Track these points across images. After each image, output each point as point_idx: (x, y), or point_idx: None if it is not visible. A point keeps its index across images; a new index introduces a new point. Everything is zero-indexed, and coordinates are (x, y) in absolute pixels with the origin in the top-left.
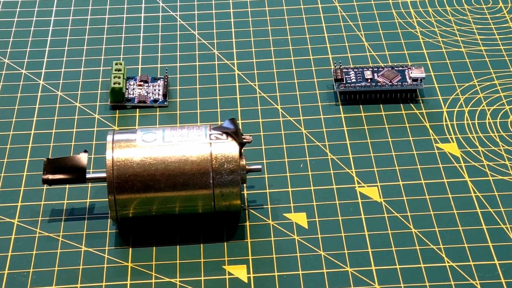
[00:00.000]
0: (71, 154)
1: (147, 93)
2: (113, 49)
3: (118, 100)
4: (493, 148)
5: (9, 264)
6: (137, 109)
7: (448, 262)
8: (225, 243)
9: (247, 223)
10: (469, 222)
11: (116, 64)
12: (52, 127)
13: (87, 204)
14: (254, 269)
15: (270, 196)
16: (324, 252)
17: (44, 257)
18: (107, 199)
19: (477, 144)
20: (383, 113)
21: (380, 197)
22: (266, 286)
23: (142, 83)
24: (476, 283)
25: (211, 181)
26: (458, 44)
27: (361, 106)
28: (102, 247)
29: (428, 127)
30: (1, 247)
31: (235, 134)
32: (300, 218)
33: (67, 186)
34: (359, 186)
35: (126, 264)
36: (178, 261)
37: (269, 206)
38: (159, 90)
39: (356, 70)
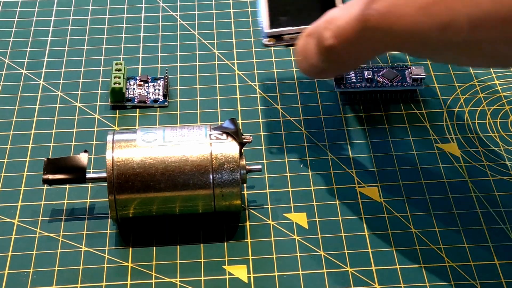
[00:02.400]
0: (71, 154)
1: (147, 93)
2: (113, 49)
3: (118, 100)
4: (493, 148)
5: (9, 264)
6: (137, 109)
7: (448, 262)
8: (225, 243)
9: (247, 223)
10: (469, 222)
11: (116, 64)
12: (52, 127)
13: (87, 204)
14: (254, 269)
15: (270, 196)
16: (324, 252)
17: (44, 257)
18: (107, 199)
19: (477, 144)
20: (383, 113)
21: (380, 197)
22: (266, 286)
23: (142, 83)
24: (476, 283)
25: (211, 181)
26: None
27: (361, 106)
28: (102, 247)
29: (428, 127)
30: (2, 247)
31: (235, 134)
32: (300, 218)
33: (67, 186)
34: (359, 186)
35: (126, 264)
36: (178, 261)
37: (269, 206)
38: (159, 90)
39: (356, 70)
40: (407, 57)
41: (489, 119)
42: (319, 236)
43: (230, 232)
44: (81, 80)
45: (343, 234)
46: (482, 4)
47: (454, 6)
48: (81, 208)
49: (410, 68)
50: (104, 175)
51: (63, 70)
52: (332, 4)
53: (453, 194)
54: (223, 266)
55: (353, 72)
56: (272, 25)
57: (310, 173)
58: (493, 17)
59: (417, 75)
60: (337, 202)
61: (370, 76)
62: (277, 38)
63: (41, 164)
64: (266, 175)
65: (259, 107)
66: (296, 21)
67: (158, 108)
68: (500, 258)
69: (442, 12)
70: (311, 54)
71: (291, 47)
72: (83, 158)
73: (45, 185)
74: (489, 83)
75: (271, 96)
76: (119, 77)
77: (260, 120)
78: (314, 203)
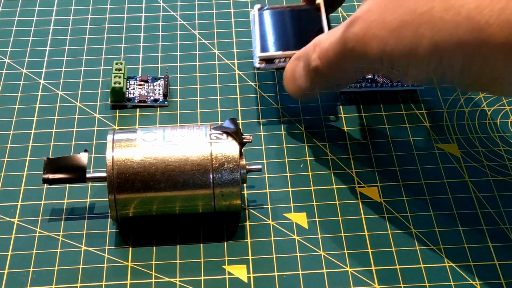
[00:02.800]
0: (72, 154)
1: (148, 92)
2: (114, 48)
3: (119, 100)
4: (493, 148)
5: (9, 263)
6: (138, 109)
7: (448, 263)
8: (225, 243)
9: (247, 223)
10: (469, 222)
11: (116, 63)
12: (53, 127)
13: (87, 203)
14: (254, 269)
15: (270, 196)
16: (324, 252)
17: (44, 257)
18: (107, 199)
19: (477, 144)
20: (383, 113)
21: (380, 197)
22: (266, 286)
23: (142, 82)
24: (476, 284)
25: (211, 180)
26: None
27: (361, 106)
28: (102, 246)
29: (428, 127)
30: (1, 246)
31: (235, 133)
32: (300, 218)
33: (67, 185)
34: (359, 186)
35: (126, 263)
36: (178, 261)
37: (269, 206)
38: (159, 89)
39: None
40: None
41: (489, 119)
42: (319, 236)
43: (230, 232)
44: (81, 80)
45: (343, 234)
46: (443, 29)
47: (419, 30)
48: (81, 208)
49: None
50: (104, 174)
51: (63, 69)
52: (320, 31)
53: (453, 194)
54: (223, 266)
55: None
56: (264, 49)
57: (310, 173)
58: (451, 40)
59: None
60: (337, 202)
61: (370, 76)
62: (268, 61)
63: (41, 163)
64: (266, 175)
65: (259, 107)
66: (286, 46)
67: (158, 108)
68: (500, 258)
69: (409, 35)
70: (299, 75)
71: (278, 71)
72: (83, 157)
73: (45, 184)
74: None
75: (271, 96)
76: (119, 77)
77: (260, 120)
78: (314, 203)
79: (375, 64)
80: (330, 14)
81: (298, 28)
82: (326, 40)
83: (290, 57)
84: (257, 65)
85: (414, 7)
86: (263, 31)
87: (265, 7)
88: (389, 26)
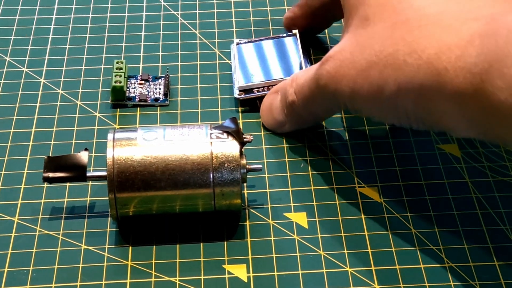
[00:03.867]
0: (72, 152)
1: (148, 92)
2: (114, 47)
3: (119, 99)
4: (494, 149)
5: (9, 262)
6: (138, 108)
7: (448, 263)
8: (225, 242)
9: (247, 223)
10: (469, 222)
11: (117, 62)
12: (53, 125)
13: (88, 202)
14: (254, 269)
15: (270, 195)
16: (324, 252)
17: (44, 255)
18: (108, 198)
19: (478, 145)
20: None
21: (380, 197)
22: (266, 285)
23: (143, 81)
24: (476, 284)
25: (211, 180)
26: None
27: None
28: (102, 245)
29: None
30: (1, 245)
31: (235, 133)
32: (300, 218)
33: (68, 184)
34: (359, 186)
35: (126, 262)
36: (178, 260)
37: (269, 206)
38: (160, 89)
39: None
40: None
41: None
42: (319, 236)
43: (230, 231)
44: (82, 79)
45: (343, 234)
46: (405, 71)
47: (384, 71)
48: (81, 206)
49: None
50: (104, 173)
51: (64, 68)
52: (296, 63)
53: (453, 194)
54: (223, 265)
55: None
56: (243, 80)
57: (310, 173)
58: (413, 83)
59: None
60: (337, 202)
61: None
62: (247, 91)
63: (42, 162)
64: (266, 175)
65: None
66: (264, 77)
67: (158, 107)
68: (499, 259)
69: (376, 75)
70: (276, 108)
71: (258, 101)
72: (83, 156)
73: (46, 183)
74: None
75: None
76: (120, 76)
77: (261, 119)
78: (314, 203)
79: (346, 102)
80: (317, 35)
81: (276, 57)
82: (302, 76)
83: (268, 86)
84: (236, 95)
85: (380, 49)
86: (242, 64)
87: (244, 41)
88: (358, 66)
